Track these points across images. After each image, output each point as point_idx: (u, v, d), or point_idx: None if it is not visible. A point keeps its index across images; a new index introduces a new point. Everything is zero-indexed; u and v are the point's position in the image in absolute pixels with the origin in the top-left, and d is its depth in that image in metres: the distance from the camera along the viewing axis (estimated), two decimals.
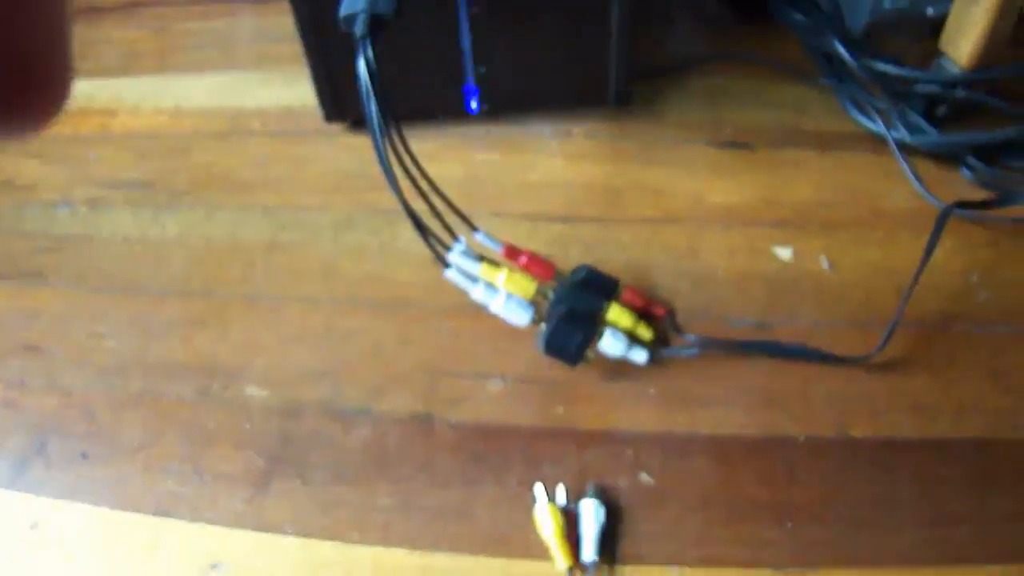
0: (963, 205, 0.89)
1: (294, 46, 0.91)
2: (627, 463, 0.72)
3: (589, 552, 0.66)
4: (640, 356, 0.75)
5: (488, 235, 0.75)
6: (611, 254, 0.86)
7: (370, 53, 0.66)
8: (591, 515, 0.67)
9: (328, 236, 0.89)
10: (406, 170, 0.68)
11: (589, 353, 0.74)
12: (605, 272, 0.79)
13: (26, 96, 0.29)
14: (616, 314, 0.76)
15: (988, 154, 0.96)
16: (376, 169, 0.92)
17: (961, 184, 0.95)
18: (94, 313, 0.85)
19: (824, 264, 0.86)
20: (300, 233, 0.90)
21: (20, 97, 0.27)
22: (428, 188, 0.69)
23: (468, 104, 0.98)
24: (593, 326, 0.74)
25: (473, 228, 0.74)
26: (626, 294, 0.79)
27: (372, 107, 0.65)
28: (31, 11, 0.26)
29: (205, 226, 0.91)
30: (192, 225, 0.91)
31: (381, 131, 0.65)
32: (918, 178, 0.95)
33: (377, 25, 0.70)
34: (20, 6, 0.24)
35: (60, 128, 1.04)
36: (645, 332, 0.77)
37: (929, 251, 0.80)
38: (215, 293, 0.85)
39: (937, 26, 0.97)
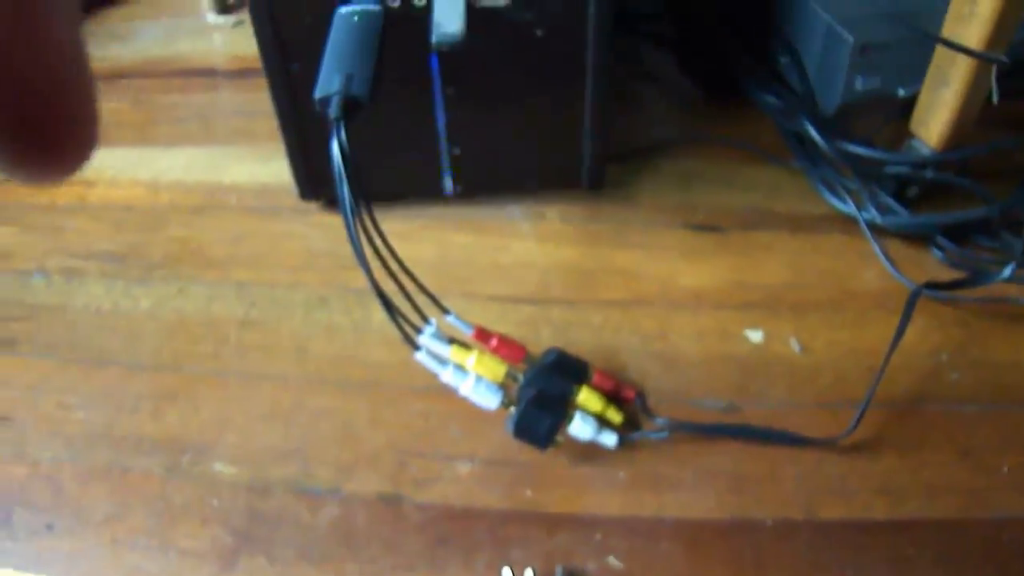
0: (933, 286, 0.90)
1: (272, 122, 0.92)
2: (595, 547, 0.72)
3: None
4: (610, 440, 0.75)
5: (459, 317, 0.76)
6: (582, 336, 0.87)
7: (343, 136, 0.66)
8: None
9: (300, 314, 0.90)
10: (377, 251, 0.68)
11: (559, 437, 0.74)
12: (575, 355, 0.79)
13: (58, 132, 0.29)
14: (586, 397, 0.76)
15: (958, 234, 0.97)
16: (348, 248, 0.93)
17: (932, 264, 0.96)
18: (64, 384, 0.85)
19: (795, 346, 0.87)
20: (272, 310, 0.90)
21: (52, 131, 0.28)
22: (399, 269, 0.69)
23: (443, 185, 0.99)
24: (563, 409, 0.74)
25: (444, 310, 0.74)
26: (596, 377, 0.79)
27: (344, 189, 0.65)
28: (50, 33, 0.26)
29: (178, 300, 0.91)
30: (165, 299, 0.92)
31: (353, 212, 0.66)
32: (889, 259, 0.96)
33: (351, 107, 0.71)
34: (34, 27, 0.24)
35: (37, 197, 1.04)
36: (615, 415, 0.77)
37: (900, 332, 0.81)
38: (186, 368, 0.85)
39: (908, 106, 0.99)
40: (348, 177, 0.65)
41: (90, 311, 0.91)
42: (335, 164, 0.66)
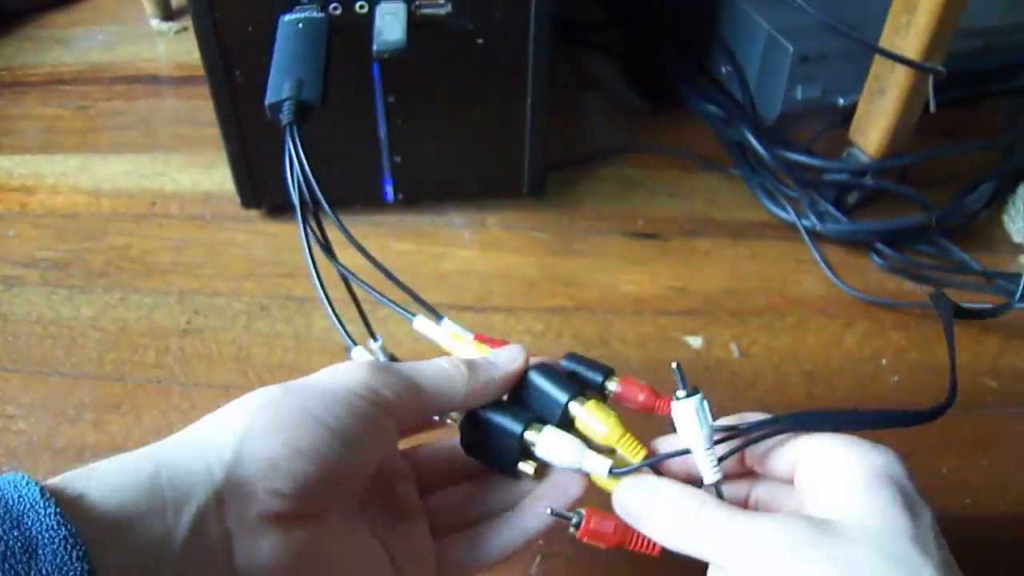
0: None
1: (215, 130, 0.92)
2: (538, 552, 0.72)
3: None
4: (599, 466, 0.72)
5: (455, 322, 0.74)
6: (523, 344, 0.87)
7: (297, 140, 0.66)
8: None
9: (242, 322, 0.90)
10: (334, 257, 0.67)
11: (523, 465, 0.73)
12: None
13: None
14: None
15: (897, 240, 0.99)
16: (291, 257, 0.93)
17: (871, 270, 0.98)
18: (5, 394, 0.84)
19: (734, 351, 0.88)
20: (214, 319, 0.90)
21: None
22: (358, 278, 0.68)
23: (384, 193, 0.99)
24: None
25: (437, 316, 0.72)
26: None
27: (297, 194, 0.65)
28: None
29: (120, 309, 0.91)
30: (107, 307, 0.91)
31: (310, 216, 0.65)
32: (828, 265, 0.97)
33: (303, 112, 0.71)
34: None
35: None
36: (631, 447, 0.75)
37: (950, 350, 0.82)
38: (128, 377, 0.85)
39: (848, 115, 1.00)
40: (305, 181, 0.64)
41: (31, 320, 0.90)
42: (290, 169, 0.65)
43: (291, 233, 0.98)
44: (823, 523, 0.44)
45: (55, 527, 0.37)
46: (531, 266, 0.97)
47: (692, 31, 1.22)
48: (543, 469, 0.57)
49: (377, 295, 0.62)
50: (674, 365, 0.51)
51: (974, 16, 0.92)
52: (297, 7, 0.81)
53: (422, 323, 0.63)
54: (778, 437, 0.52)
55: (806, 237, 0.99)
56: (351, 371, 0.51)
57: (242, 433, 0.45)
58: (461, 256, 0.98)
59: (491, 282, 0.94)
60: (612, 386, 0.59)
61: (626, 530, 0.53)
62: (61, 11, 1.42)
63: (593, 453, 0.54)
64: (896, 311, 0.93)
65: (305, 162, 0.64)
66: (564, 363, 0.60)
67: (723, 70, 1.15)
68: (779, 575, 0.43)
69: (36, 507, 0.38)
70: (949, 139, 1.10)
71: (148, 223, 1.01)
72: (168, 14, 1.39)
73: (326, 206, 0.63)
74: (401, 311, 0.62)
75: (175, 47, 1.34)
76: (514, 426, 0.55)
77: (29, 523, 0.37)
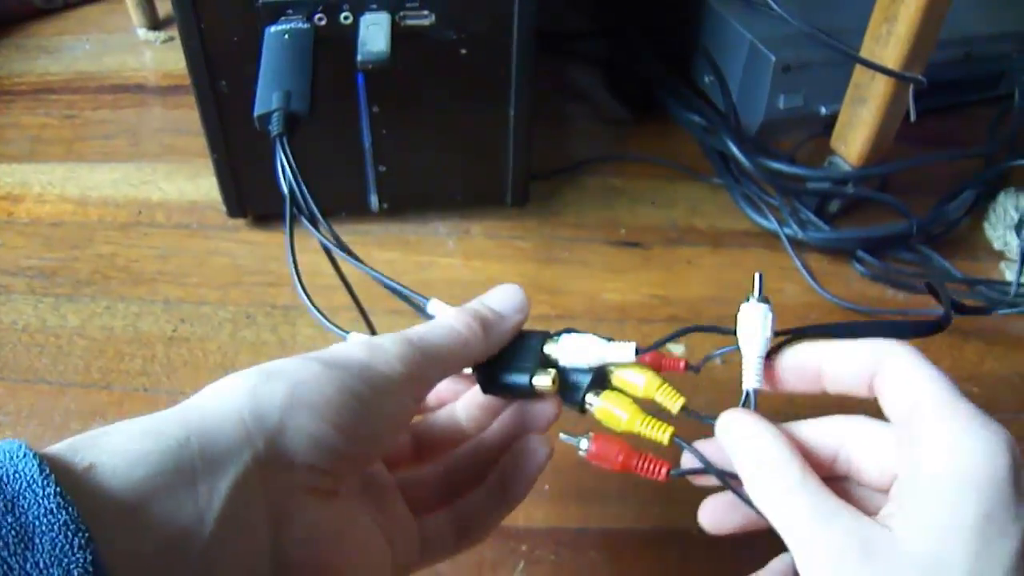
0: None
1: (201, 140, 0.92)
2: (521, 557, 0.73)
3: None
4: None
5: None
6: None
7: (288, 151, 0.67)
8: None
9: (227, 331, 0.90)
10: (333, 261, 0.67)
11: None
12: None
13: None
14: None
15: (878, 249, 0.99)
16: (276, 266, 0.93)
17: (853, 278, 0.98)
18: None
19: (717, 360, 0.88)
20: (200, 327, 0.90)
21: None
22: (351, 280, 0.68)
23: (368, 202, 1.00)
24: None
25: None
26: None
27: (291, 205, 0.64)
28: None
29: (106, 317, 0.91)
30: (93, 316, 0.91)
31: (320, 227, 0.64)
32: (810, 273, 0.98)
33: (292, 123, 0.71)
34: None
35: None
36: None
37: None
38: (115, 385, 0.85)
39: (830, 124, 1.00)
40: (299, 191, 0.64)
41: (17, 328, 0.90)
42: (283, 178, 0.65)
43: (276, 242, 0.99)
44: (872, 545, 0.41)
45: (55, 510, 0.33)
46: (514, 275, 0.97)
47: (675, 41, 1.23)
48: (559, 381, 0.55)
49: (393, 284, 0.60)
50: (757, 275, 0.54)
51: (954, 25, 0.92)
52: (283, 18, 0.82)
53: (436, 306, 0.60)
54: (848, 343, 0.50)
55: (788, 245, 1.00)
56: (377, 346, 0.49)
57: (288, 403, 0.43)
58: (445, 265, 0.98)
59: (475, 290, 0.93)
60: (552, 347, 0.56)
61: (631, 455, 0.53)
62: (48, 20, 1.42)
63: (616, 342, 0.54)
64: (877, 319, 0.94)
65: (298, 172, 0.64)
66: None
67: (706, 80, 1.16)
68: None
69: (34, 485, 0.34)
70: (930, 148, 1.10)
71: (134, 232, 1.01)
72: (155, 24, 1.39)
73: (319, 215, 0.63)
74: (416, 296, 0.60)
75: (162, 56, 1.35)
76: (533, 340, 0.56)
77: (26, 505, 0.33)
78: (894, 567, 0.40)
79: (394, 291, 0.60)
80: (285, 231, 0.63)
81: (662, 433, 0.52)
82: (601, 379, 0.56)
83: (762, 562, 0.45)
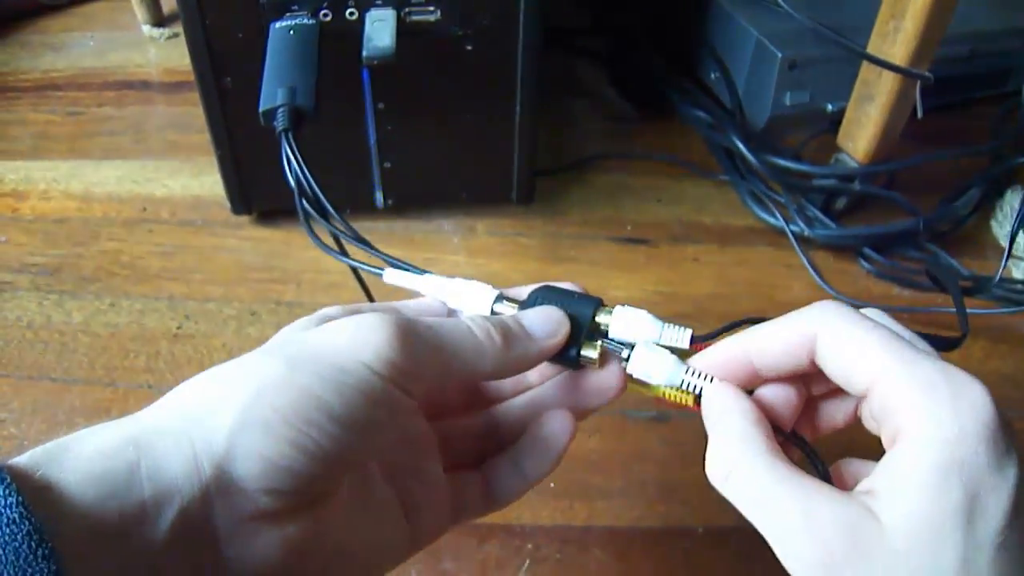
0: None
1: (205, 136, 0.92)
2: (526, 556, 0.73)
3: None
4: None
5: None
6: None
7: (294, 146, 0.66)
8: None
9: (232, 327, 0.90)
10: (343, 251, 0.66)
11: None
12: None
13: None
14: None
15: (884, 246, 0.99)
16: (280, 262, 0.93)
17: (859, 275, 0.98)
18: None
19: None
20: (204, 323, 0.90)
21: None
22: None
23: (373, 199, 1.00)
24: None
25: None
26: None
27: (302, 200, 0.64)
28: None
29: (110, 314, 0.91)
30: (97, 312, 0.91)
31: (333, 220, 0.63)
32: (816, 270, 0.97)
33: (297, 119, 0.71)
34: None
35: None
36: None
37: None
38: (119, 381, 0.85)
39: (837, 120, 1.00)
40: (308, 184, 0.64)
41: (22, 325, 0.90)
42: (289, 174, 0.65)
43: (281, 239, 0.99)
44: (861, 536, 0.39)
45: (18, 520, 0.33)
46: (519, 272, 0.98)
47: (681, 38, 1.22)
48: (607, 355, 0.52)
49: (408, 266, 0.59)
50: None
51: (961, 22, 0.92)
52: (288, 14, 0.82)
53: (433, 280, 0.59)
54: (852, 344, 0.44)
55: (794, 242, 1.00)
56: (367, 336, 0.43)
57: (237, 423, 0.39)
58: (450, 262, 0.98)
59: None
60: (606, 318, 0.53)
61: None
62: (53, 17, 1.42)
63: (672, 326, 0.51)
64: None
65: (305, 167, 0.64)
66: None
67: (712, 76, 1.16)
68: None
69: None
70: (937, 144, 1.10)
71: (139, 229, 1.01)
72: (159, 20, 1.39)
73: (330, 208, 0.62)
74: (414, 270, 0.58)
75: (166, 53, 1.35)
76: (584, 308, 0.52)
77: None
78: (885, 564, 0.39)
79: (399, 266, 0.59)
80: (302, 224, 0.62)
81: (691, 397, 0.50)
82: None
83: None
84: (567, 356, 0.51)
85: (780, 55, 1.03)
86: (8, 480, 0.34)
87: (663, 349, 0.50)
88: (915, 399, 0.41)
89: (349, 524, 0.46)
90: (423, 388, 0.45)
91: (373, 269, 0.59)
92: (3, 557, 0.32)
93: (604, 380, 0.53)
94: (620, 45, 1.30)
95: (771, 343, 0.46)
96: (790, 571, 0.41)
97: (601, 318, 0.52)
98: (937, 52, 0.90)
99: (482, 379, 0.52)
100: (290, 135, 0.68)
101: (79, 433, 0.39)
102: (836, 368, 0.44)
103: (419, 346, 0.44)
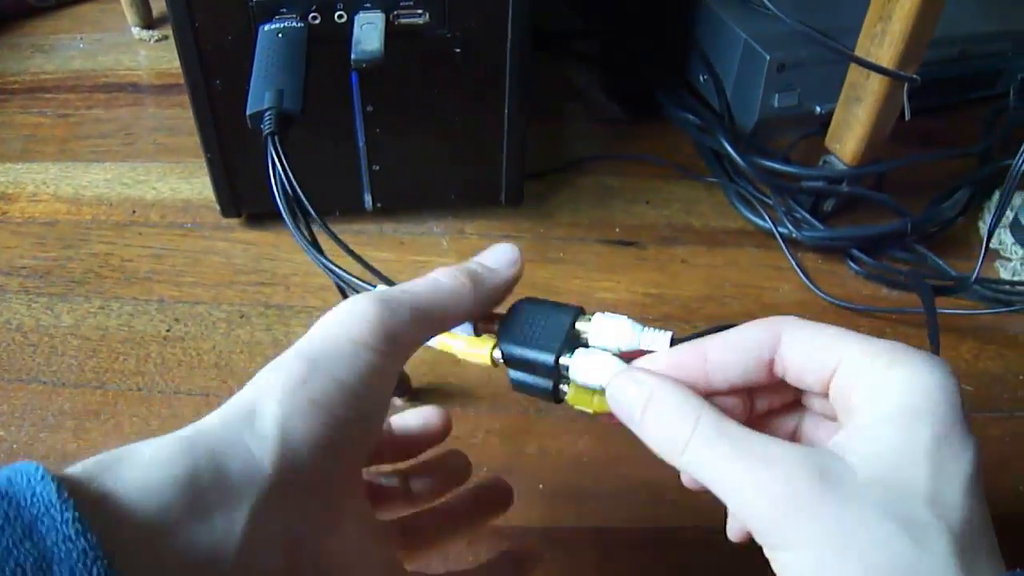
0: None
1: (195, 139, 0.92)
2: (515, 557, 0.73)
3: None
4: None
5: None
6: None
7: (280, 150, 0.66)
8: None
9: (222, 330, 0.90)
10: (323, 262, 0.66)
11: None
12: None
13: None
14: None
15: (873, 247, 1.00)
16: (270, 265, 0.93)
17: (847, 277, 0.99)
18: None
19: None
20: (194, 326, 0.90)
21: None
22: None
23: (363, 201, 1.00)
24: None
25: None
26: None
27: (284, 204, 0.64)
28: None
29: (100, 317, 0.91)
30: (87, 315, 0.91)
31: (301, 225, 0.63)
32: (804, 272, 0.98)
33: (284, 122, 0.71)
34: None
35: None
36: None
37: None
38: (109, 384, 0.85)
39: (826, 122, 1.00)
40: (291, 191, 0.64)
41: (11, 327, 0.90)
42: (274, 178, 0.65)
43: (270, 242, 0.99)
44: (828, 471, 0.40)
45: (74, 537, 0.32)
46: None
47: (670, 40, 1.23)
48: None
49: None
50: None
51: (949, 24, 0.93)
52: (277, 17, 0.82)
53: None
54: (814, 339, 0.46)
55: (783, 244, 1.00)
56: (359, 320, 0.46)
57: (282, 417, 0.41)
58: (439, 264, 0.97)
59: None
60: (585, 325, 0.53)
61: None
62: (43, 18, 1.42)
63: (651, 330, 0.50)
64: (872, 317, 0.94)
65: (289, 171, 0.64)
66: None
67: (701, 79, 1.16)
68: (769, 531, 0.40)
69: (52, 510, 0.33)
70: (925, 146, 1.11)
71: (128, 231, 1.01)
72: (149, 22, 1.39)
73: (313, 212, 0.63)
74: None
75: (156, 55, 1.34)
76: (564, 317, 0.53)
77: (44, 531, 0.32)
78: (854, 493, 0.39)
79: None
80: (290, 228, 0.62)
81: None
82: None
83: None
84: (546, 366, 0.51)
85: (768, 57, 1.03)
86: (66, 495, 0.33)
87: (605, 353, 0.50)
88: (878, 371, 0.43)
89: (361, 537, 0.48)
90: (411, 350, 0.49)
91: (365, 283, 0.59)
92: (59, 574, 0.32)
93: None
94: (610, 48, 1.30)
95: (734, 340, 0.47)
96: (755, 521, 0.41)
97: (581, 326, 0.52)
98: (926, 54, 0.90)
99: (464, 319, 0.52)
100: (276, 139, 0.68)
101: (133, 444, 0.39)
102: (800, 357, 0.46)
103: (404, 311, 0.47)
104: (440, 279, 0.51)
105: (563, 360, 0.50)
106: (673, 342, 0.49)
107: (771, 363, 0.47)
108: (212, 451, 0.39)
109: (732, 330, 0.48)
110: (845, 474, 0.40)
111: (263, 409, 0.42)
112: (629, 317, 0.51)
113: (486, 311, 0.53)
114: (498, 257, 0.55)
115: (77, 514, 0.33)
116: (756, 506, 0.40)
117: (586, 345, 0.51)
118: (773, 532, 0.40)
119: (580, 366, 0.50)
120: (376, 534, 0.51)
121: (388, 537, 0.54)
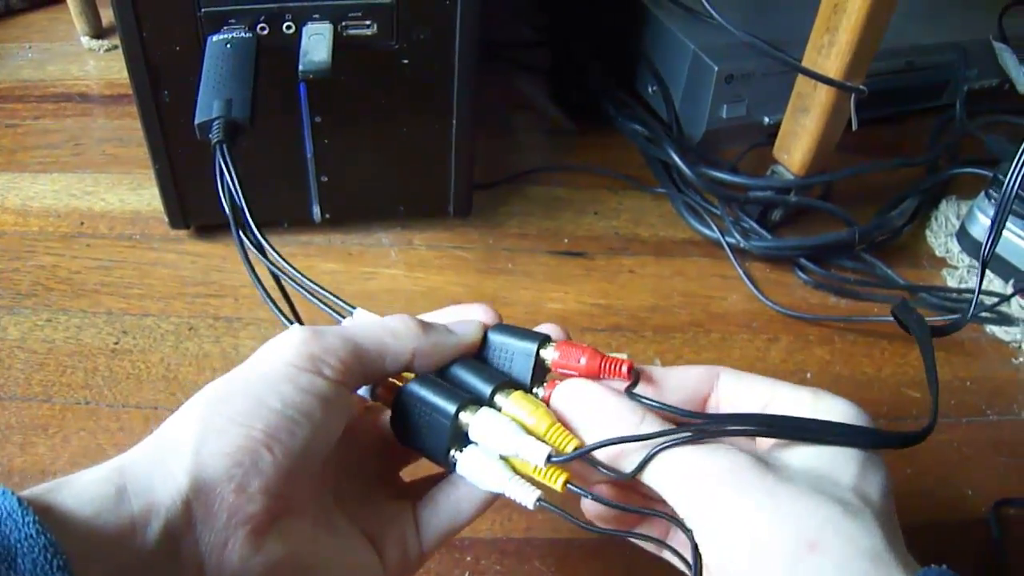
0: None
1: (144, 150, 0.92)
2: (466, 568, 0.73)
3: None
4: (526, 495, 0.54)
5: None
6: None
7: (228, 159, 0.66)
8: None
9: (170, 342, 0.89)
10: (273, 273, 0.66)
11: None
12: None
13: None
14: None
15: (820, 256, 1.00)
16: (219, 277, 0.93)
17: (795, 286, 0.99)
18: None
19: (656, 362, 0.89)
20: (143, 339, 0.90)
21: None
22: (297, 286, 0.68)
23: (310, 212, 1.00)
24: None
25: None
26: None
27: (231, 213, 0.64)
28: None
29: (47, 329, 0.90)
30: (34, 328, 0.90)
31: (243, 235, 0.64)
32: (752, 281, 0.98)
33: (232, 131, 0.71)
34: None
35: None
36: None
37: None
38: (56, 398, 0.84)
39: (774, 133, 1.01)
40: (237, 199, 0.64)
41: None
42: (221, 187, 0.65)
43: (219, 253, 0.98)
44: (766, 459, 0.47)
45: (34, 535, 0.37)
46: (457, 285, 0.98)
47: (618, 51, 1.23)
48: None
49: (319, 290, 0.61)
50: None
51: (896, 36, 0.94)
52: (225, 27, 0.82)
53: (362, 315, 0.60)
54: (751, 381, 0.54)
55: (730, 254, 1.01)
56: (285, 345, 0.49)
57: (199, 434, 0.44)
58: (388, 275, 0.98)
59: (417, 301, 0.95)
60: (549, 354, 0.56)
61: (594, 355, 0.55)
62: None
63: (534, 442, 0.50)
64: (820, 326, 0.95)
65: (236, 181, 0.64)
66: (491, 335, 0.58)
67: (649, 89, 1.17)
68: (712, 506, 0.46)
69: (13, 515, 0.37)
70: (873, 156, 1.12)
71: (76, 243, 1.00)
72: (99, 32, 1.38)
73: (254, 227, 0.63)
74: (346, 304, 0.61)
75: (105, 65, 1.33)
76: (447, 405, 0.52)
77: (7, 531, 0.37)
78: (790, 475, 0.46)
79: (315, 295, 0.61)
80: (235, 241, 0.62)
81: (555, 480, 0.51)
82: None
83: None
84: (439, 455, 0.53)
85: (716, 68, 1.04)
86: (25, 504, 0.38)
87: (493, 457, 0.52)
88: (805, 405, 0.50)
89: (318, 547, 0.49)
90: (350, 378, 0.51)
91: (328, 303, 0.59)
92: (22, 566, 0.36)
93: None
94: (559, 58, 1.31)
95: (677, 373, 0.55)
96: (698, 499, 0.47)
97: (464, 417, 0.52)
98: (873, 65, 0.91)
99: (404, 364, 0.53)
100: (224, 147, 0.68)
101: (72, 475, 0.43)
102: (735, 394, 0.54)
103: (332, 339, 0.50)
104: (389, 320, 0.54)
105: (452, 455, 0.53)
106: (549, 459, 0.50)
107: (706, 399, 0.54)
108: (136, 467, 0.44)
109: (676, 367, 0.55)
110: (780, 464, 0.47)
111: (185, 429, 0.45)
112: (517, 422, 0.52)
113: (431, 363, 0.54)
114: (462, 326, 0.57)
115: (36, 517, 0.37)
116: (704, 485, 0.46)
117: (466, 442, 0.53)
118: (717, 507, 0.45)
119: (468, 467, 0.53)
120: (343, 532, 0.52)
121: (357, 534, 0.54)
